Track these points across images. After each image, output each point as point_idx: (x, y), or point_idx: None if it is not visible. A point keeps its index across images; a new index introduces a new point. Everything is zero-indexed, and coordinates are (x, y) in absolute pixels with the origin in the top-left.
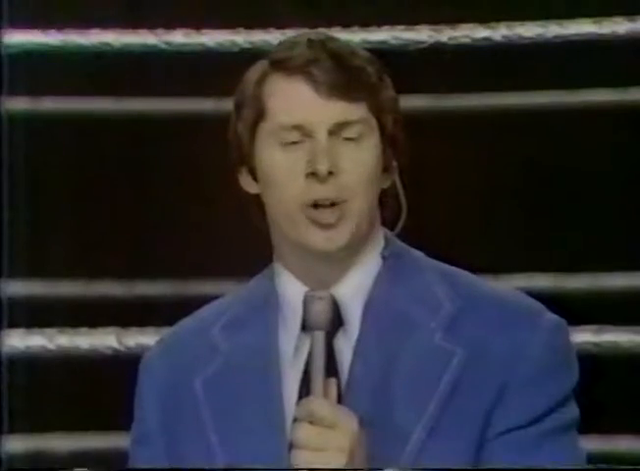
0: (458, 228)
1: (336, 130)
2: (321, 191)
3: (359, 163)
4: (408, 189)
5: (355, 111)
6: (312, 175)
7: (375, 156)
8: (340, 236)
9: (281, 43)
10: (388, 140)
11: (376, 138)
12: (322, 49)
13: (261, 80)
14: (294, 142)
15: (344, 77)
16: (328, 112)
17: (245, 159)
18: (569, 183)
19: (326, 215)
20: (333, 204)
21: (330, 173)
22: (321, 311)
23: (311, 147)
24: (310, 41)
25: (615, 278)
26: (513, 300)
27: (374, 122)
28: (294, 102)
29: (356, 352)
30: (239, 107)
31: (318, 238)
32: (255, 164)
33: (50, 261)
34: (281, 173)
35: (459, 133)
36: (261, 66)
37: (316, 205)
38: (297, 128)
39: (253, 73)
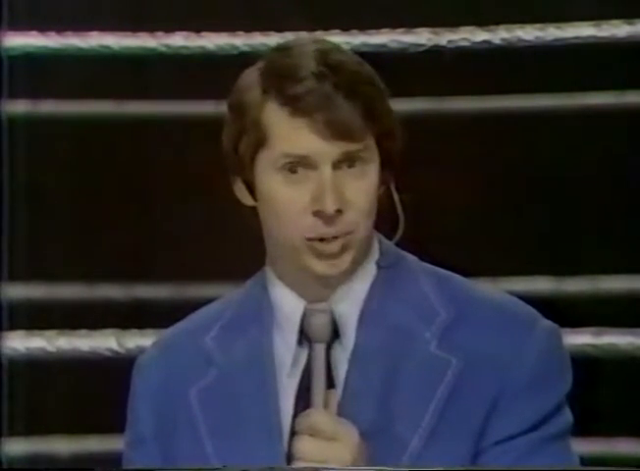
0: (457, 231)
1: (340, 160)
2: (328, 230)
3: (364, 193)
4: (406, 193)
5: (359, 142)
6: (319, 213)
7: (376, 180)
8: (342, 263)
9: (279, 55)
10: (387, 160)
11: (376, 160)
12: (330, 85)
13: (262, 104)
14: (298, 172)
15: (350, 119)
16: (333, 146)
17: (244, 175)
18: (568, 185)
19: (330, 246)
20: (337, 237)
21: (337, 210)
22: (321, 324)
23: (317, 182)
24: (315, 75)
25: (615, 280)
26: (508, 307)
27: (374, 144)
28: (298, 138)
29: (352, 363)
30: (237, 124)
31: (321, 266)
32: (256, 186)
33: (50, 263)
34: (285, 207)
35: (459, 137)
36: (259, 81)
37: (321, 239)
38: (301, 158)
39: (252, 88)
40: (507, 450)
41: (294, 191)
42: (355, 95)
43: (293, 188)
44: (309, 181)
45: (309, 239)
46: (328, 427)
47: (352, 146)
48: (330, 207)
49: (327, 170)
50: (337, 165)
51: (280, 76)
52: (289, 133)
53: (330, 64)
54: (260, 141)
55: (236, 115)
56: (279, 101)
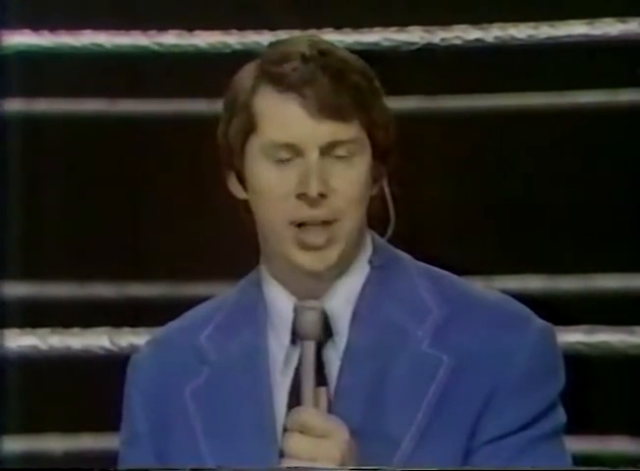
0: (450, 229)
1: (328, 149)
2: (311, 213)
3: (350, 182)
4: (399, 191)
5: (348, 130)
6: (303, 196)
7: (366, 172)
8: (329, 257)
9: (274, 48)
10: (379, 153)
11: (367, 154)
12: (317, 65)
13: (253, 89)
14: (286, 160)
15: (338, 98)
16: (320, 132)
17: (235, 166)
18: (560, 184)
19: (315, 236)
20: (323, 222)
21: (321, 194)
22: (312, 321)
23: (303, 167)
24: (304, 56)
25: (607, 279)
26: (502, 306)
27: (366, 138)
28: (286, 121)
29: (345, 362)
30: (229, 112)
31: (307, 259)
32: (246, 175)
33: (43, 262)
34: (271, 191)
35: (451, 135)
36: (254, 70)
37: (305, 223)
38: (289, 146)
39: (246, 77)
40: (499, 449)
41: (281, 176)
42: (342, 80)
43: (281, 174)
44: (296, 166)
45: (294, 225)
46: (318, 424)
47: (342, 134)
48: (313, 190)
49: (314, 155)
50: (325, 151)
51: (272, 61)
52: (277, 114)
53: (320, 49)
54: (250, 126)
55: (229, 103)
56: (269, 82)
